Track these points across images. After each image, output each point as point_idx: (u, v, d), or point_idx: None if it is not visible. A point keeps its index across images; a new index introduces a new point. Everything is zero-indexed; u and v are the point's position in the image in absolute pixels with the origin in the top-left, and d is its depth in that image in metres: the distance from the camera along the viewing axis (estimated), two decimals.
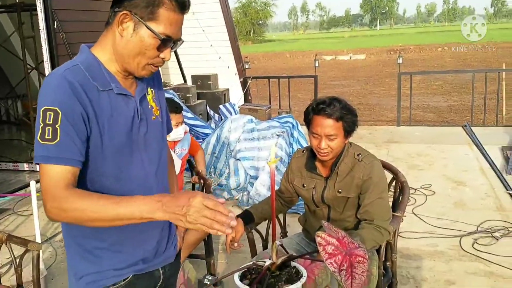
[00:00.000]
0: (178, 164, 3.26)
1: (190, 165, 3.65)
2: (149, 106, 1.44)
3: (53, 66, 5.33)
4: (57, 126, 1.21)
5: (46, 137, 1.21)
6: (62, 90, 1.24)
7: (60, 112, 1.22)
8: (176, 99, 6.36)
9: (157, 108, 1.48)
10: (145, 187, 1.41)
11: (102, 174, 1.34)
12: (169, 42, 1.31)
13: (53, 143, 1.22)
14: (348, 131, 2.10)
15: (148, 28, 1.27)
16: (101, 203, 1.21)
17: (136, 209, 1.19)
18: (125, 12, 1.26)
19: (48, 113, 1.21)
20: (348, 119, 2.07)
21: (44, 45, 5.35)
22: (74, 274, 1.43)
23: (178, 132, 3.29)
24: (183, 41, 1.35)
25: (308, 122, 2.14)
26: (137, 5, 1.26)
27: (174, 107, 3.25)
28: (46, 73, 5.42)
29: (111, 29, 1.32)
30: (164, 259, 1.52)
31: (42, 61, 5.49)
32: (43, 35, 5.33)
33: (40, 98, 1.25)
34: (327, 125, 2.05)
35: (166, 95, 6.15)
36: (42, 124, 1.21)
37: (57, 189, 1.22)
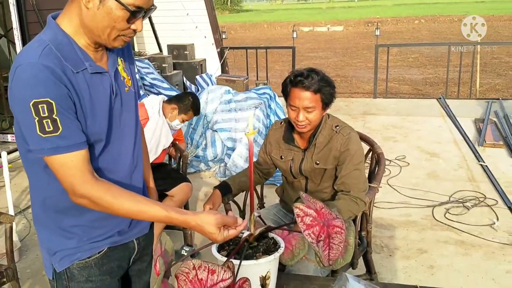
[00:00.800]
0: (170, 139, 3.27)
1: None
2: (121, 78, 1.39)
3: (22, 33, 5.14)
4: (54, 116, 1.17)
5: (47, 129, 1.17)
6: (46, 79, 1.16)
7: (53, 102, 1.16)
8: (152, 69, 6.26)
9: (129, 78, 1.43)
10: (121, 163, 1.40)
11: None
12: (139, 13, 1.23)
13: (57, 134, 1.18)
14: (326, 103, 2.10)
15: None
16: (140, 208, 1.27)
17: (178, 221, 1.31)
18: None
19: (40, 106, 1.15)
20: (326, 91, 2.06)
21: (13, 11, 5.14)
22: (47, 249, 1.40)
23: (179, 126, 3.36)
24: (155, 8, 1.27)
25: (286, 94, 2.12)
26: None
27: (196, 110, 3.30)
28: (16, 40, 5.23)
29: (76, 0, 1.22)
30: (139, 230, 1.51)
31: (12, 28, 5.29)
32: (11, 0, 5.12)
33: (23, 91, 1.16)
34: (305, 97, 2.04)
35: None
36: (38, 118, 1.16)
37: (81, 176, 1.22)
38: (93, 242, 1.38)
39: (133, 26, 1.25)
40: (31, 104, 1.15)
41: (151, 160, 1.72)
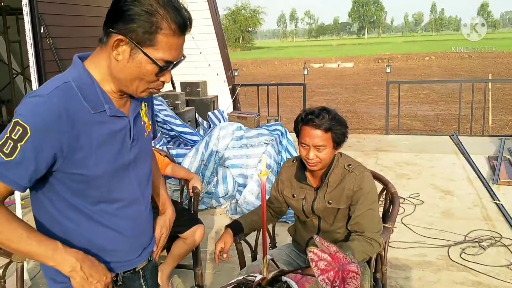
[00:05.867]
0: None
1: None
2: (142, 122, 1.40)
3: (39, 72, 5.25)
4: (19, 144, 1.14)
5: (4, 149, 1.15)
6: (44, 112, 1.16)
7: (29, 133, 1.14)
8: (165, 106, 6.33)
9: (149, 123, 1.45)
10: (132, 203, 1.40)
11: (89, 197, 1.30)
12: (168, 67, 1.24)
13: (5, 158, 1.15)
14: (338, 142, 2.09)
15: (145, 54, 1.19)
16: (18, 234, 1.19)
17: (48, 258, 1.22)
18: (120, 37, 1.18)
19: (17, 127, 1.14)
20: (337, 130, 2.06)
21: (30, 50, 5.26)
22: (54, 280, 1.37)
23: None
24: (185, 57, 1.28)
25: (297, 132, 2.14)
26: (133, 30, 1.17)
27: None
28: (32, 78, 5.33)
29: (105, 50, 1.23)
30: (145, 255, 1.51)
31: (28, 66, 5.42)
32: (29, 39, 5.24)
33: (20, 107, 1.18)
34: (316, 135, 2.04)
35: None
36: (8, 135, 1.15)
37: None
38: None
39: (161, 79, 1.26)
40: (14, 121, 1.16)
41: None
